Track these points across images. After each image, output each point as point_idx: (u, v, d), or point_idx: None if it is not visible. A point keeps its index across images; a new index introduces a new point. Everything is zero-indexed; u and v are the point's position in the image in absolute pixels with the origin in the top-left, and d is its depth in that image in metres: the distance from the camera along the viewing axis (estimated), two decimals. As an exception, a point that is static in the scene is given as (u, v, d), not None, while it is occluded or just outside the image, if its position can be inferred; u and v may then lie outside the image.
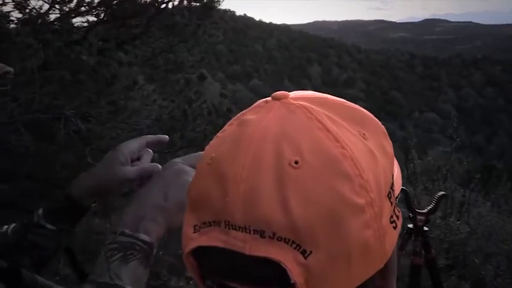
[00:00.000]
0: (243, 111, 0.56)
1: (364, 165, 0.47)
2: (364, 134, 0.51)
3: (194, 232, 0.51)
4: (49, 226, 0.94)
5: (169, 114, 4.19)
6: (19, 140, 3.09)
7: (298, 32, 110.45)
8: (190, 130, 4.14)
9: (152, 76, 5.04)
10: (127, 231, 0.76)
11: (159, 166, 0.94)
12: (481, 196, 8.47)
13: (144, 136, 1.01)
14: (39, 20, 4.52)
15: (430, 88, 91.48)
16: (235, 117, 0.56)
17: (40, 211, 0.95)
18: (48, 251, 0.96)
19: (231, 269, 0.48)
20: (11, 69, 0.69)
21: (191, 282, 5.43)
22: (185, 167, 0.82)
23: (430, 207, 2.30)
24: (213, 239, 0.48)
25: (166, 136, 1.03)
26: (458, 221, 6.97)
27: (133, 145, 0.96)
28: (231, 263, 0.48)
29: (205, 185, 0.50)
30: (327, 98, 0.55)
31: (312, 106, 0.51)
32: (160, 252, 5.88)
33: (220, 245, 0.48)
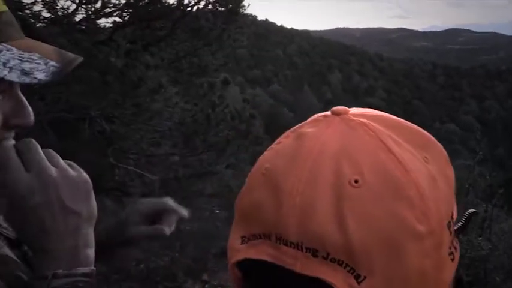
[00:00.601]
0: (300, 124, 0.54)
1: (426, 191, 0.45)
2: (426, 157, 0.48)
3: (242, 243, 0.50)
4: None
5: (192, 117, 4.20)
6: (43, 138, 3.14)
7: (319, 38, 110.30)
8: (213, 135, 4.15)
9: (176, 79, 5.08)
10: (60, 271, 0.60)
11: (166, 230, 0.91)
12: (504, 212, 8.28)
13: (165, 203, 0.96)
14: (66, 20, 4.60)
15: (451, 98, 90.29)
16: (291, 129, 0.55)
17: None
18: None
19: (278, 285, 0.47)
20: (81, 58, 0.68)
21: (206, 286, 5.43)
22: (72, 171, 0.64)
23: (459, 224, 2.22)
24: (262, 252, 0.47)
25: (186, 214, 0.97)
26: (480, 236, 6.82)
27: (148, 209, 0.94)
28: (279, 279, 0.46)
29: (258, 196, 0.49)
30: (388, 117, 0.53)
31: (373, 124, 0.49)
32: (177, 254, 5.91)
33: (269, 259, 0.46)
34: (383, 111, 0.55)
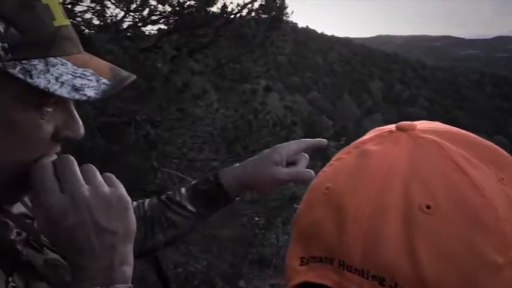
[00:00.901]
0: (362, 139, 0.52)
1: (504, 217, 0.42)
2: (502, 178, 0.45)
3: (301, 265, 0.48)
4: (190, 207, 0.95)
5: (233, 123, 4.23)
6: (92, 142, 3.25)
7: (360, 46, 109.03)
8: (254, 141, 4.16)
9: (217, 85, 5.13)
10: None
11: (313, 173, 0.91)
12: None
13: (305, 140, 0.99)
14: (114, 27, 4.76)
15: (499, 109, 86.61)
16: (352, 144, 0.52)
17: (183, 190, 0.97)
18: (182, 231, 0.97)
19: None
20: (134, 76, 0.69)
21: (243, 292, 5.42)
22: (108, 189, 0.64)
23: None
24: (323, 276, 0.45)
25: (325, 140, 0.99)
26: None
27: (291, 148, 0.96)
28: None
29: (319, 217, 0.47)
30: (458, 132, 0.49)
31: (443, 142, 0.46)
32: (214, 259, 5.95)
33: (331, 284, 0.44)
34: (452, 126, 0.52)
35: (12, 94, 0.59)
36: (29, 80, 0.58)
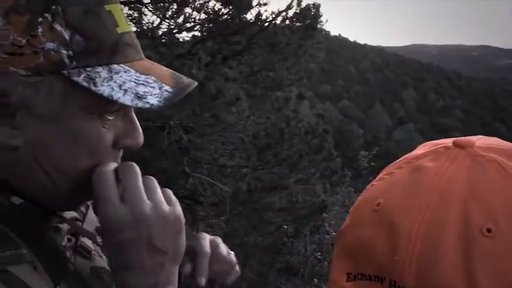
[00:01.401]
0: (415, 154, 0.50)
1: None
2: None
3: (348, 281, 0.47)
4: None
5: (265, 131, 4.23)
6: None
7: (393, 55, 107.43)
8: (286, 149, 4.14)
9: (250, 92, 5.15)
10: None
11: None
12: None
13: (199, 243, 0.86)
14: (150, 34, 4.86)
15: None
16: (403, 159, 0.50)
17: None
18: None
19: None
20: (196, 83, 0.68)
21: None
22: (166, 208, 0.63)
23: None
24: None
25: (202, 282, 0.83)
26: None
27: None
28: None
29: (369, 234, 0.45)
30: None
31: (504, 161, 0.43)
32: (241, 266, 5.94)
33: None
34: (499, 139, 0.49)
35: (77, 102, 0.59)
36: (93, 88, 0.57)
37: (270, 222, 5.15)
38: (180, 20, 5.75)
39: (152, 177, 0.65)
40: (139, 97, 0.59)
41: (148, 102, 0.59)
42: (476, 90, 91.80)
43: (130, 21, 5.94)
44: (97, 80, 0.58)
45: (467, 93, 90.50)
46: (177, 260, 0.64)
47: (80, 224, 0.74)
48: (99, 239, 0.70)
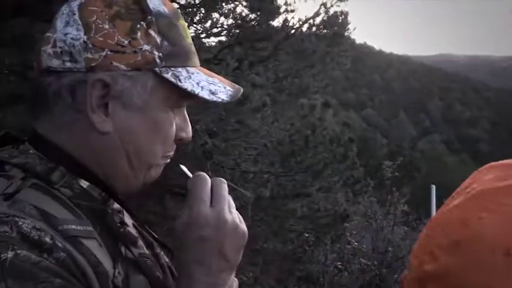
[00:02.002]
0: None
1: None
2: None
3: None
4: None
5: (289, 137, 4.21)
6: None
7: (419, 64, 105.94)
8: (310, 156, 4.11)
9: (275, 98, 5.14)
10: None
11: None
12: None
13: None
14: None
15: None
16: (507, 187, 0.45)
17: None
18: None
19: None
20: (242, 89, 0.81)
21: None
22: (240, 224, 0.73)
23: None
24: None
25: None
26: None
27: None
28: None
29: (497, 281, 0.41)
30: None
31: None
32: (260, 273, 5.91)
33: None
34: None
35: (161, 96, 0.72)
36: (179, 84, 0.71)
37: (290, 230, 5.11)
38: (208, 24, 5.82)
39: (231, 198, 0.75)
40: (212, 93, 0.73)
41: (220, 98, 0.74)
42: (504, 102, 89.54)
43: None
44: (181, 77, 0.71)
45: (495, 104, 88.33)
46: (234, 270, 0.74)
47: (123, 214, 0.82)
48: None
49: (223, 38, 5.88)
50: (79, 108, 0.69)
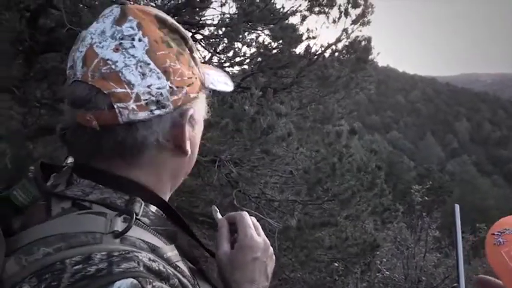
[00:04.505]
0: None
1: None
2: None
3: None
4: None
5: (315, 165, 4.16)
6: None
7: (445, 85, 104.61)
8: (337, 185, 4.04)
9: (299, 125, 5.12)
10: None
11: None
12: None
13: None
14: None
15: None
16: None
17: None
18: None
19: None
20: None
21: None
22: (274, 256, 0.89)
23: None
24: None
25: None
26: None
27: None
28: None
29: None
30: None
31: None
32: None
33: None
34: None
35: (205, 101, 0.81)
36: (217, 88, 0.83)
37: (318, 260, 4.98)
38: (231, 54, 5.90)
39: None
40: (226, 84, 0.86)
41: (231, 86, 0.86)
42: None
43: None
44: (213, 82, 0.82)
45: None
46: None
47: None
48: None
49: (246, 67, 5.95)
50: (165, 145, 0.75)
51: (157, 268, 0.62)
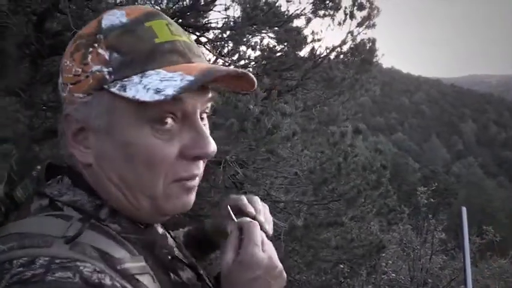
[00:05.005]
0: None
1: None
2: None
3: None
4: None
5: (320, 166, 4.17)
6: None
7: (450, 86, 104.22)
8: (343, 184, 4.04)
9: (304, 126, 5.12)
10: None
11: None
12: None
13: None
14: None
15: None
16: None
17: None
18: None
19: None
20: (227, 70, 0.69)
21: None
22: (283, 274, 0.78)
23: None
24: None
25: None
26: None
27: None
28: None
29: None
30: None
31: None
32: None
33: None
34: None
35: (123, 113, 0.65)
36: (122, 94, 0.63)
37: (324, 261, 4.98)
38: (235, 57, 5.92)
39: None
40: (158, 91, 0.62)
41: (164, 94, 0.61)
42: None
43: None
44: (127, 86, 0.63)
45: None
46: None
47: (168, 237, 0.83)
48: (176, 251, 0.82)
49: (250, 69, 5.97)
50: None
51: (97, 281, 0.58)
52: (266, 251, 0.75)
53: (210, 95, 0.71)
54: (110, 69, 0.64)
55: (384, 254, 7.00)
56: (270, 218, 0.90)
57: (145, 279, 0.65)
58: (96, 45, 0.66)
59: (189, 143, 0.67)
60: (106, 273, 0.60)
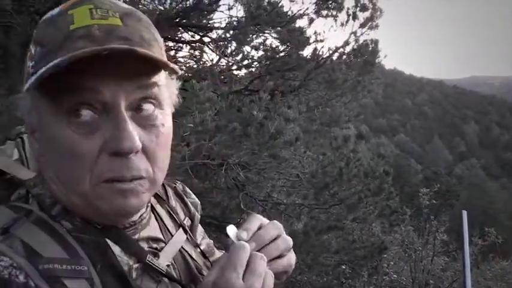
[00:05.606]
0: None
1: None
2: None
3: None
4: None
5: (322, 169, 4.16)
6: (187, 181, 3.37)
7: (452, 87, 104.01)
8: (344, 189, 4.03)
9: (306, 128, 5.12)
10: None
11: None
12: None
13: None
14: (209, 71, 5.02)
15: None
16: None
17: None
18: None
19: None
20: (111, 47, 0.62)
21: None
22: None
23: None
24: None
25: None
26: None
27: None
28: None
29: None
30: None
31: None
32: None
33: None
34: None
35: (47, 107, 0.63)
36: (25, 86, 0.62)
37: (325, 263, 4.97)
38: (239, 57, 5.92)
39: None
40: (33, 79, 0.59)
41: (32, 80, 0.59)
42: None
43: (192, 59, 6.21)
44: (36, 76, 0.59)
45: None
46: None
47: (161, 244, 0.77)
48: (149, 257, 0.73)
49: (253, 70, 5.96)
50: None
51: (6, 276, 0.56)
52: (247, 281, 0.64)
53: (144, 81, 0.64)
54: (33, 63, 0.63)
55: (385, 255, 6.99)
56: (278, 246, 0.75)
57: (75, 284, 0.61)
58: (31, 42, 0.66)
59: (107, 137, 0.62)
60: (23, 271, 0.58)
